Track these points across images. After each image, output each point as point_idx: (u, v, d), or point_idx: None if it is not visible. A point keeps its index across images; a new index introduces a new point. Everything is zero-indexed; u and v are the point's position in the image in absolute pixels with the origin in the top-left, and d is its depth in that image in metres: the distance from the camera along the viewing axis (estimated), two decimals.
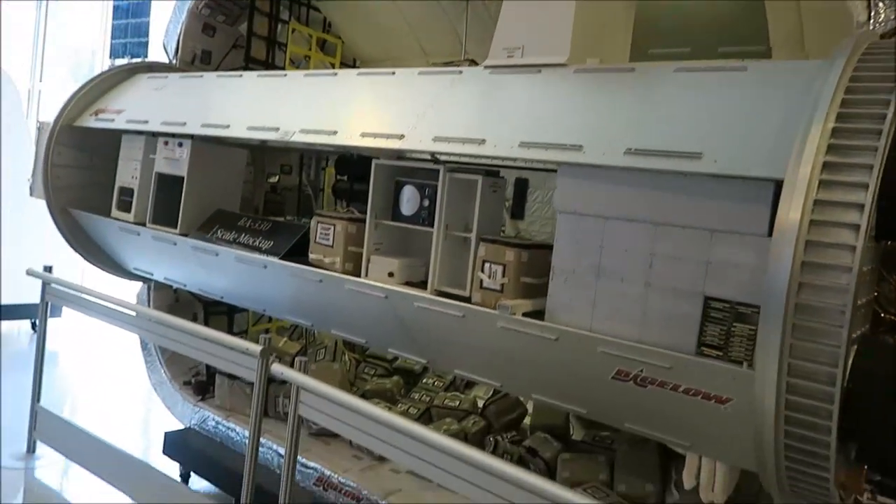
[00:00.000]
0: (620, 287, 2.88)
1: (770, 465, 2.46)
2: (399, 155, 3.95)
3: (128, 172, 5.24)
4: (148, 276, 5.59)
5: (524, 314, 3.14)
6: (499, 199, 3.63)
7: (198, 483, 5.42)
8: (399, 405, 5.25)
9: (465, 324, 3.32)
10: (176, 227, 4.87)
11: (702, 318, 2.69)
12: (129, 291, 6.01)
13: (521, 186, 4.56)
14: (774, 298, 2.29)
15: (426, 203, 3.66)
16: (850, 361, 2.30)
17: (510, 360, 3.27)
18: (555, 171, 3.18)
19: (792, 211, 2.28)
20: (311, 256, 4.16)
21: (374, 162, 3.85)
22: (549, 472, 4.41)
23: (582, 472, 4.20)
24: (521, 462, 4.59)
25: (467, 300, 3.40)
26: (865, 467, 2.51)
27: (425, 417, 5.17)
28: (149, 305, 5.93)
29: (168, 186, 4.97)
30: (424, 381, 5.61)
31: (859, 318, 2.39)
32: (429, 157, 3.77)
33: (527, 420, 5.08)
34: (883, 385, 2.23)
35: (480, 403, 5.22)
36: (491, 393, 5.17)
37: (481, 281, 3.34)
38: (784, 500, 2.69)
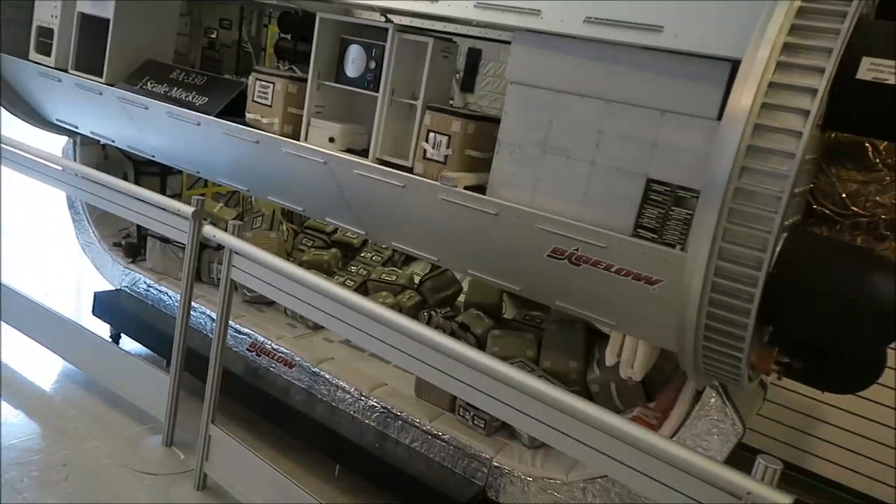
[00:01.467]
0: (565, 165, 2.83)
1: (689, 344, 2.55)
2: (346, 10, 3.68)
3: (47, 10, 4.76)
4: (72, 129, 5.24)
5: (466, 188, 3.08)
6: (449, 65, 3.46)
7: (129, 344, 5.37)
8: (335, 277, 5.23)
9: (405, 195, 3.24)
10: (101, 76, 4.51)
11: (642, 200, 2.69)
12: (55, 146, 5.63)
13: (474, 58, 4.37)
14: (715, 182, 2.28)
15: (372, 65, 3.46)
16: (778, 249, 2.35)
17: (449, 234, 3.23)
18: (509, 42, 3.03)
19: (745, 92, 2.23)
20: (248, 116, 3.94)
21: (318, 15, 3.58)
22: (480, 347, 4.53)
23: (510, 347, 4.33)
24: (452, 336, 4.69)
25: (409, 171, 3.30)
26: (776, 349, 2.64)
27: (361, 290, 5.18)
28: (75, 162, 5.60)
29: (92, 30, 4.55)
30: (363, 254, 5.58)
31: (793, 207, 2.42)
32: (378, 15, 3.53)
33: (461, 297, 5.15)
34: (804, 273, 2.30)
35: (417, 280, 5.26)
36: (428, 269, 5.19)
37: (425, 151, 3.23)
38: (697, 378, 2.83)
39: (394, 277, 5.19)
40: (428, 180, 3.15)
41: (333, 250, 5.53)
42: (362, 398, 4.30)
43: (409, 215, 3.34)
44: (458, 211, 3.06)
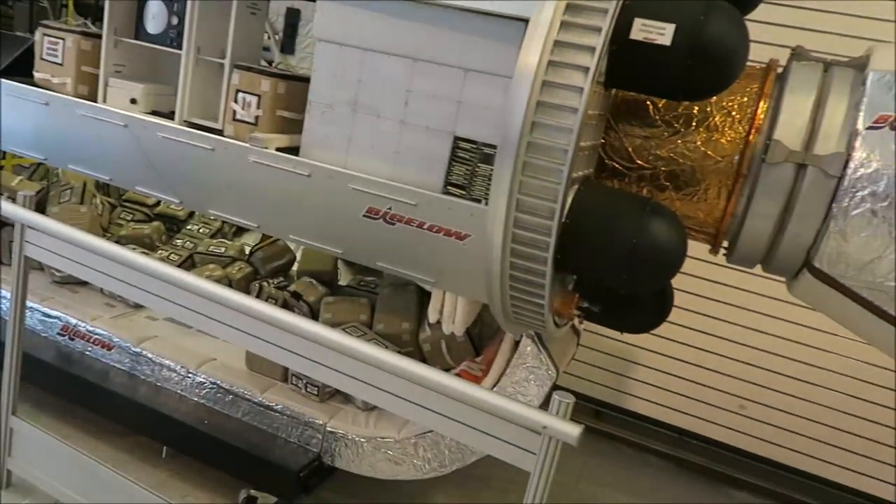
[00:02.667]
0: (376, 124, 2.83)
1: (497, 295, 2.67)
2: None
3: None
4: None
5: (279, 149, 2.99)
6: (259, 23, 3.32)
7: None
8: (158, 252, 4.93)
9: (215, 158, 3.09)
10: None
11: (450, 158, 2.75)
12: None
13: (293, 18, 4.23)
14: (510, 137, 2.38)
15: (175, 21, 3.24)
16: (570, 200, 2.50)
17: (264, 198, 3.13)
18: None
19: (533, 51, 2.33)
20: (37, 75, 3.56)
21: None
22: (313, 315, 4.48)
23: (343, 313, 4.31)
24: (285, 306, 4.60)
25: (219, 133, 3.15)
26: (577, 295, 2.83)
27: (187, 264, 4.92)
28: None
29: None
30: (189, 227, 5.30)
31: (583, 160, 2.59)
32: None
33: (295, 266, 5.05)
34: (593, 222, 2.47)
35: (248, 251, 5.08)
36: (259, 240, 5.03)
37: (234, 112, 3.09)
38: (509, 328, 2.97)
39: (223, 249, 4.98)
40: (238, 142, 3.02)
41: (156, 223, 5.19)
42: (189, 375, 4.11)
43: (221, 180, 3.19)
44: (271, 173, 2.97)
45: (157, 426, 4.04)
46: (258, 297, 4.48)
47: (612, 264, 2.48)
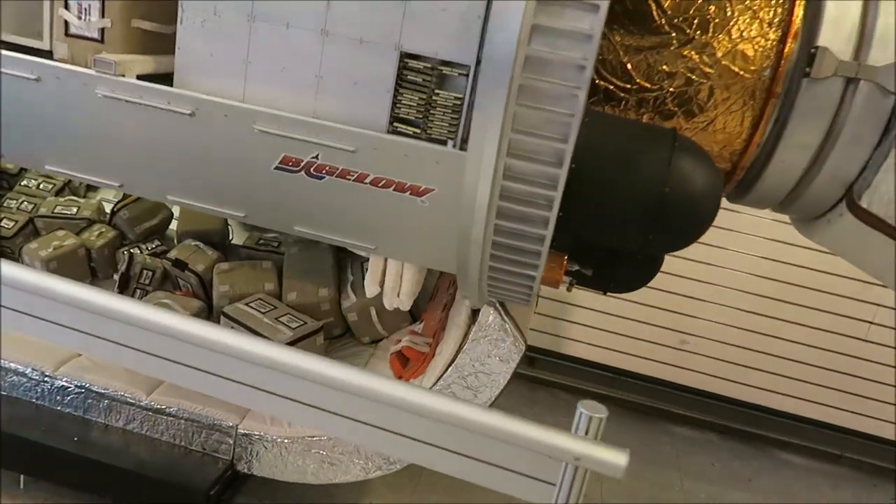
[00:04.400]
0: (285, 37, 1.97)
1: (475, 264, 1.99)
2: None
3: None
4: None
5: (140, 78, 2.07)
6: None
7: None
8: None
9: (44, 92, 2.13)
10: None
11: (395, 84, 1.97)
12: None
13: None
14: (498, 50, 1.65)
15: None
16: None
17: (125, 147, 2.21)
18: None
19: None
20: None
21: None
22: (204, 288, 3.61)
23: (244, 283, 3.48)
24: (165, 278, 3.68)
25: (47, 55, 2.17)
26: (566, 257, 2.20)
27: (27, 231, 3.83)
28: None
29: None
30: (24, 183, 4.13)
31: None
32: None
33: (173, 226, 4.09)
34: (608, 167, 1.83)
35: (109, 209, 4.04)
36: (121, 195, 3.99)
37: (67, 24, 2.11)
38: (478, 300, 2.32)
39: (74, 210, 3.91)
40: (77, 68, 2.07)
41: None
42: (46, 379, 3.17)
43: (56, 123, 2.22)
44: (132, 112, 2.07)
45: (9, 450, 3.10)
46: (129, 269, 3.53)
47: (633, 222, 1.86)
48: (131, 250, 3.65)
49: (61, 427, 3.14)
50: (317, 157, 2.00)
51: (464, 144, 1.91)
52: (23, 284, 1.96)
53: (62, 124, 2.21)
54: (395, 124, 2.00)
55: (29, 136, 2.32)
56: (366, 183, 2.03)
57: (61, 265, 3.53)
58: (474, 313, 2.82)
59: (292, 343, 3.08)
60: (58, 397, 3.19)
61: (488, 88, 1.67)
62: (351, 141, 1.97)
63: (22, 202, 3.97)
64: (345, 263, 3.69)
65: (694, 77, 2.11)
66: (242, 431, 3.06)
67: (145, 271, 3.56)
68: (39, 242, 3.54)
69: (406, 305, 2.64)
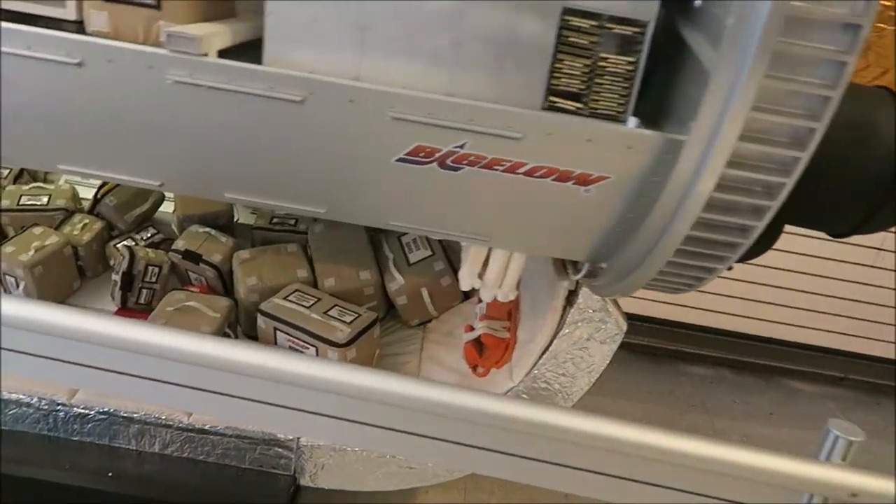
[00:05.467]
0: None
1: (652, 259, 1.69)
2: None
3: None
4: None
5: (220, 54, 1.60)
6: None
7: None
8: None
9: (84, 80, 1.61)
10: None
11: (555, 48, 1.59)
12: None
13: None
14: (749, 7, 1.30)
15: None
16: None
17: (186, 141, 1.74)
18: None
19: None
20: None
21: None
22: (224, 283, 3.14)
23: (273, 273, 3.04)
24: (176, 275, 3.19)
25: (78, 28, 1.64)
26: None
27: None
28: None
29: None
30: None
31: None
32: None
33: (167, 208, 3.54)
34: (848, 142, 1.54)
35: (85, 195, 3.44)
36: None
37: None
38: (620, 292, 2.03)
39: (44, 199, 3.29)
40: (143, 47, 1.56)
41: None
42: (60, 408, 2.69)
43: (98, 118, 1.71)
44: (210, 101, 1.59)
45: (26, 497, 2.63)
46: (131, 267, 3.01)
47: (863, 201, 1.60)
48: (128, 244, 3.11)
49: (86, 461, 2.70)
50: (462, 146, 1.61)
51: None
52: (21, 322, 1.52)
53: (103, 118, 1.70)
54: (552, 98, 1.63)
55: (46, 131, 1.79)
56: (517, 173, 1.67)
57: (46, 269, 2.96)
58: (570, 294, 2.54)
59: (352, 341, 2.71)
60: (75, 426, 2.73)
61: (731, 53, 1.32)
62: (515, 125, 1.59)
63: None
64: (378, 239, 3.30)
65: None
66: (305, 443, 2.71)
67: (150, 268, 3.05)
68: (15, 244, 2.94)
69: (508, 297, 2.32)
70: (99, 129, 1.74)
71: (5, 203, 3.24)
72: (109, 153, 1.83)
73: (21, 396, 2.69)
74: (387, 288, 3.13)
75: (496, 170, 1.67)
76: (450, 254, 3.14)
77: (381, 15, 1.55)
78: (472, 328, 2.85)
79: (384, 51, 1.58)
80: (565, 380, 2.62)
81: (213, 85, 1.54)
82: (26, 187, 3.31)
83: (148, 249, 3.10)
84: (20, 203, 3.24)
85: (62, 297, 3.10)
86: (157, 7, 1.57)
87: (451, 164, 1.68)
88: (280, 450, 2.73)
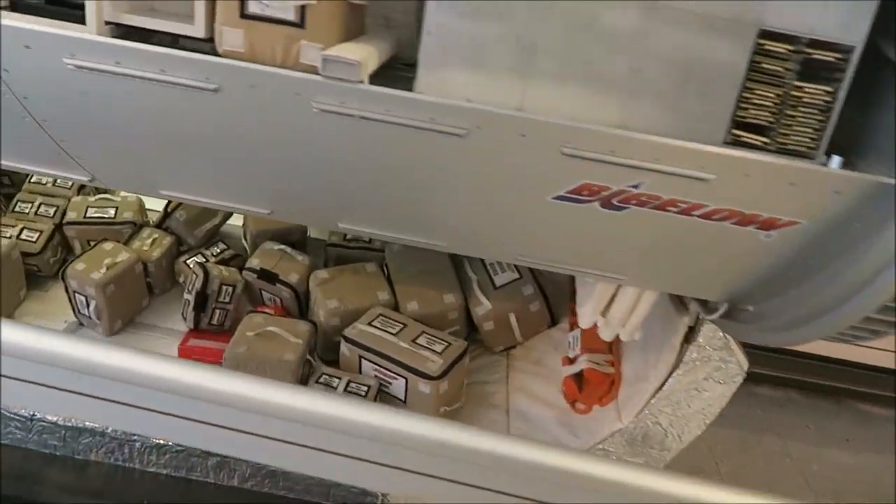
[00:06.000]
0: (593, 11, 1.36)
1: (852, 314, 1.50)
2: None
3: None
4: None
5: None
6: None
7: None
8: None
9: (216, 107, 1.44)
10: None
11: (745, 75, 1.40)
12: None
13: None
14: None
15: None
16: None
17: (332, 173, 1.57)
18: None
19: None
20: None
21: None
22: (300, 304, 2.98)
23: (354, 295, 2.87)
24: (248, 294, 3.03)
25: (208, 47, 1.48)
26: None
27: (55, 243, 3.08)
28: None
29: None
30: (34, 179, 3.30)
31: None
32: None
33: (236, 221, 3.39)
34: None
35: (150, 207, 3.30)
36: None
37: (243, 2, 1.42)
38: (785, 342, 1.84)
39: (111, 211, 3.15)
40: (297, 73, 1.40)
41: None
42: (136, 437, 2.55)
43: (220, 145, 1.54)
44: (362, 132, 1.42)
45: None
46: (204, 286, 2.86)
47: None
48: (200, 262, 2.96)
49: (162, 494, 2.56)
50: (637, 185, 1.43)
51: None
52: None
53: (225, 146, 1.53)
54: (736, 132, 1.45)
55: (158, 157, 1.63)
56: (692, 215, 1.48)
57: (118, 287, 2.82)
58: (690, 330, 2.35)
59: (445, 372, 2.54)
60: (151, 457, 2.58)
61: None
62: (707, 166, 1.41)
63: (39, 205, 3.17)
64: (459, 259, 3.12)
65: None
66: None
67: (224, 287, 2.89)
68: (86, 261, 2.80)
69: (634, 336, 2.14)
70: (217, 157, 1.58)
71: (71, 215, 3.10)
72: (222, 181, 1.67)
73: (95, 425, 2.54)
74: (471, 312, 2.96)
75: (668, 211, 1.48)
76: (538, 277, 2.96)
77: (553, 36, 1.38)
78: (569, 360, 2.67)
79: (552, 76, 1.41)
80: (677, 421, 2.43)
81: (365, 115, 1.36)
82: (92, 198, 3.17)
83: (221, 268, 2.95)
84: (87, 215, 3.10)
85: (131, 315, 2.96)
86: (301, 25, 1.40)
87: (616, 204, 1.50)
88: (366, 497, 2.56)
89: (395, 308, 2.90)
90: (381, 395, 2.64)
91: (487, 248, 1.78)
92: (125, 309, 2.91)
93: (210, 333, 2.92)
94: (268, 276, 2.95)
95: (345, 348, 2.68)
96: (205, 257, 3.10)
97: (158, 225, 3.16)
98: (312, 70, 1.41)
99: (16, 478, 2.58)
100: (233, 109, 1.41)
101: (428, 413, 2.59)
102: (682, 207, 1.47)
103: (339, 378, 2.61)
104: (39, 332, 1.75)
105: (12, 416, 2.61)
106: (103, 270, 2.78)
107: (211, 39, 1.47)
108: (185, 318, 2.93)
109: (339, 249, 3.21)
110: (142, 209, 3.23)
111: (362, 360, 2.66)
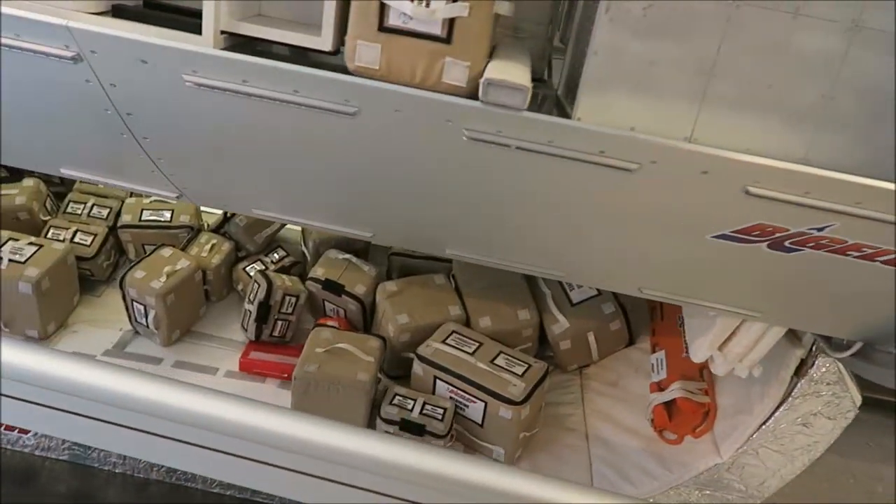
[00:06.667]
0: (785, 30, 1.19)
1: None
2: None
3: None
4: None
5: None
6: None
7: None
8: (49, 232, 2.86)
9: (352, 134, 1.29)
10: None
11: None
12: None
13: None
14: None
15: None
16: None
17: (463, 202, 1.41)
18: None
19: None
20: None
21: None
22: (365, 317, 2.84)
23: (425, 310, 2.72)
24: (311, 307, 2.89)
25: (336, 64, 1.32)
26: None
27: (108, 247, 2.94)
28: None
29: None
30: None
31: None
32: None
33: (295, 227, 3.24)
34: None
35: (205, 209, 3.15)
36: None
37: (384, 11, 1.26)
38: None
39: (167, 215, 3.01)
40: (430, 94, 1.24)
41: (31, 183, 3.00)
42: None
43: (345, 170, 1.39)
44: (512, 161, 1.27)
45: None
46: (268, 296, 2.71)
47: None
48: (263, 271, 2.81)
49: None
50: (822, 228, 1.27)
51: None
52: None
53: (349, 169, 1.38)
54: None
55: (265, 178, 1.48)
56: (875, 261, 1.32)
57: (178, 297, 2.68)
58: (802, 363, 2.19)
59: (528, 397, 2.40)
60: (213, 479, 2.45)
61: None
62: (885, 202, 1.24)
63: (92, 206, 3.03)
64: (532, 276, 2.96)
65: None
66: None
67: (287, 298, 2.75)
68: (145, 268, 2.66)
69: (755, 374, 1.99)
70: (333, 180, 1.43)
71: (126, 218, 2.96)
72: (328, 203, 1.52)
73: None
74: (546, 330, 2.81)
75: (848, 255, 1.32)
76: (618, 294, 2.80)
77: (736, 57, 1.21)
78: (658, 387, 2.52)
79: (730, 102, 1.25)
80: (780, 458, 2.28)
81: (524, 145, 1.21)
82: (147, 200, 3.02)
83: (284, 277, 2.80)
84: (142, 219, 2.96)
85: (189, 324, 2.82)
86: (447, 41, 1.24)
87: (788, 246, 1.34)
88: None
89: (466, 323, 2.75)
90: (457, 418, 2.50)
91: (608, 279, 1.63)
92: (183, 318, 2.77)
93: (271, 346, 2.78)
94: (333, 287, 2.80)
95: (418, 367, 2.54)
96: (264, 264, 2.96)
97: (216, 229, 3.02)
98: (454, 90, 1.25)
99: (76, 495, 2.46)
100: (368, 134, 1.25)
101: (508, 439, 2.46)
102: (866, 253, 1.31)
103: (414, 399, 2.48)
104: (115, 372, 1.61)
105: None
106: (163, 279, 2.64)
107: (336, 53, 1.32)
108: (245, 329, 2.79)
109: (402, 259, 3.06)
110: (198, 212, 3.08)
111: (437, 380, 2.52)
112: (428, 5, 1.20)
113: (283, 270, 2.96)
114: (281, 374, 2.69)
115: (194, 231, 2.97)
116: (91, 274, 2.89)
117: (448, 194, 1.37)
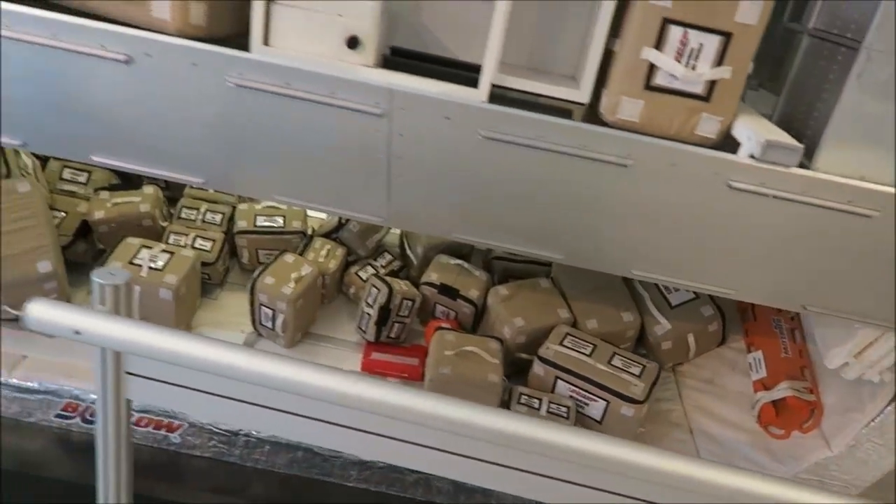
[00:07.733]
0: None
1: None
2: None
3: None
4: None
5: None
6: None
7: None
8: (169, 239, 2.96)
9: (628, 183, 1.44)
10: None
11: None
12: None
13: None
14: None
15: None
16: None
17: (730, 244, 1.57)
18: None
19: None
20: None
21: None
22: (476, 320, 3.00)
23: (538, 313, 2.89)
24: (420, 310, 3.03)
25: (589, 113, 1.47)
26: None
27: (224, 252, 3.05)
28: None
29: None
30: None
31: None
32: None
33: (396, 230, 3.37)
34: None
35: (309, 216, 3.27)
36: None
37: (651, 71, 1.41)
38: None
39: (280, 220, 3.12)
40: (698, 149, 1.39)
41: (150, 190, 3.09)
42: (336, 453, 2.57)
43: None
44: (763, 209, 1.43)
45: None
46: (389, 302, 2.86)
47: None
48: (382, 276, 2.95)
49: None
50: None
51: None
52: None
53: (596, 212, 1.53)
54: None
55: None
56: None
57: (305, 301, 2.81)
58: None
59: (648, 397, 2.59)
60: (352, 472, 2.61)
61: None
62: None
63: (205, 212, 3.13)
64: (629, 279, 3.14)
65: None
66: None
67: (405, 301, 2.90)
68: (273, 275, 2.78)
69: (886, 379, 2.19)
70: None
71: (242, 224, 3.07)
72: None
73: (298, 441, 2.56)
74: (647, 332, 3.00)
75: None
76: (715, 297, 3.00)
77: None
78: (763, 385, 2.73)
79: None
80: (883, 450, 2.50)
81: (779, 195, 1.37)
82: (259, 206, 3.13)
83: (401, 282, 2.94)
84: (256, 224, 3.07)
85: (307, 326, 2.96)
86: (706, 99, 1.39)
87: None
88: None
89: (573, 325, 2.93)
90: (577, 416, 2.68)
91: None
92: (305, 321, 2.91)
93: (388, 346, 2.94)
94: (448, 291, 2.95)
95: (539, 368, 2.71)
96: (374, 268, 3.09)
97: (328, 234, 3.14)
98: (702, 142, 1.41)
99: (217, 491, 2.60)
100: (640, 182, 1.40)
101: (627, 436, 2.64)
102: None
103: (539, 399, 2.65)
104: (265, 357, 1.65)
105: (215, 430, 2.62)
106: (292, 285, 2.77)
107: (590, 105, 1.46)
108: (362, 331, 2.93)
109: (504, 263, 3.22)
110: (306, 217, 3.20)
111: (558, 380, 2.69)
112: (694, 68, 1.35)
113: (393, 274, 3.10)
114: (401, 373, 2.85)
115: (307, 237, 3.09)
116: (209, 278, 3.01)
117: (695, 230, 1.53)
